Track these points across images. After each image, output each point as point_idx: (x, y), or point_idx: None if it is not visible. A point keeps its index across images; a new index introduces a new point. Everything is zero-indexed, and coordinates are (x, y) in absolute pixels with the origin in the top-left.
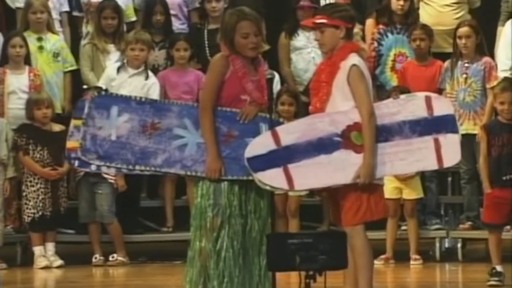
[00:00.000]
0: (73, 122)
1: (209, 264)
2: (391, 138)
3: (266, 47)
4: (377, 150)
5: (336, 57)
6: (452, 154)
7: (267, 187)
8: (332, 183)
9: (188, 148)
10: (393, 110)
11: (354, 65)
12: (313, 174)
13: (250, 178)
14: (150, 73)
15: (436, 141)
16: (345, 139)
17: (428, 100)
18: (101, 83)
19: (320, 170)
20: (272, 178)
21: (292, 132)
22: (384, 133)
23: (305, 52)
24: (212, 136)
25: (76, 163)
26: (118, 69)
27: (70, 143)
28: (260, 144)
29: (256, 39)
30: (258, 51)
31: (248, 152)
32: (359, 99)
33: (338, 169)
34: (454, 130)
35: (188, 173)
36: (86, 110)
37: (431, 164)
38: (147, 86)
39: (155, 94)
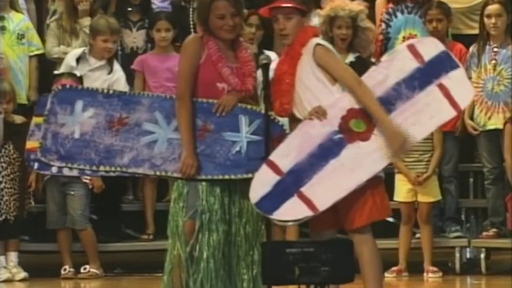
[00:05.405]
0: (34, 120)
1: (186, 275)
2: (392, 107)
3: (248, 29)
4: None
5: (297, 44)
6: (464, 91)
7: (290, 223)
8: (355, 185)
9: (158, 145)
10: (380, 78)
11: (318, 44)
12: (331, 186)
13: (227, 177)
14: (116, 66)
15: (442, 87)
16: (347, 132)
17: (412, 48)
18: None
19: (337, 177)
20: (290, 211)
21: (288, 153)
22: (384, 106)
23: None
24: (190, 130)
25: (36, 165)
26: (78, 59)
27: (30, 143)
28: (262, 182)
29: (233, 21)
30: (235, 33)
31: (253, 197)
32: (338, 72)
33: (355, 167)
34: (454, 66)
35: (158, 173)
36: (48, 105)
37: (448, 113)
38: (109, 82)
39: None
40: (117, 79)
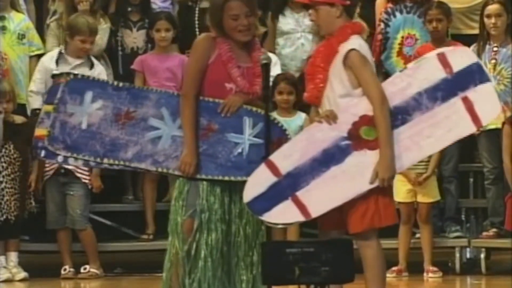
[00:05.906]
0: (44, 108)
1: (183, 274)
2: (409, 117)
3: (263, 29)
4: (397, 137)
5: (335, 39)
6: (489, 107)
7: (279, 226)
8: (353, 195)
9: (162, 141)
10: (402, 85)
11: (353, 49)
12: (328, 193)
13: (226, 178)
14: (95, 61)
15: (466, 100)
16: (355, 139)
17: (442, 57)
18: (38, 77)
19: (335, 185)
20: (281, 214)
21: (290, 154)
22: (399, 115)
23: (293, 37)
24: (192, 128)
25: (43, 153)
26: (57, 60)
27: (39, 131)
28: (257, 182)
29: (247, 21)
30: (250, 34)
31: (246, 196)
32: (365, 84)
33: (356, 175)
34: (484, 79)
35: (159, 169)
36: (59, 94)
37: (467, 128)
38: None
39: None
40: (99, 73)
